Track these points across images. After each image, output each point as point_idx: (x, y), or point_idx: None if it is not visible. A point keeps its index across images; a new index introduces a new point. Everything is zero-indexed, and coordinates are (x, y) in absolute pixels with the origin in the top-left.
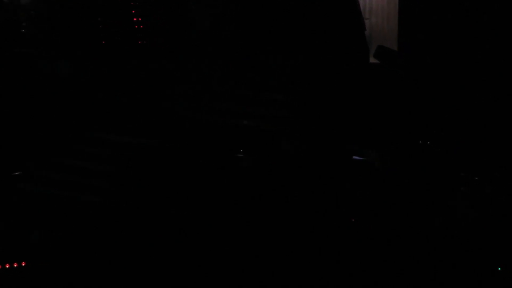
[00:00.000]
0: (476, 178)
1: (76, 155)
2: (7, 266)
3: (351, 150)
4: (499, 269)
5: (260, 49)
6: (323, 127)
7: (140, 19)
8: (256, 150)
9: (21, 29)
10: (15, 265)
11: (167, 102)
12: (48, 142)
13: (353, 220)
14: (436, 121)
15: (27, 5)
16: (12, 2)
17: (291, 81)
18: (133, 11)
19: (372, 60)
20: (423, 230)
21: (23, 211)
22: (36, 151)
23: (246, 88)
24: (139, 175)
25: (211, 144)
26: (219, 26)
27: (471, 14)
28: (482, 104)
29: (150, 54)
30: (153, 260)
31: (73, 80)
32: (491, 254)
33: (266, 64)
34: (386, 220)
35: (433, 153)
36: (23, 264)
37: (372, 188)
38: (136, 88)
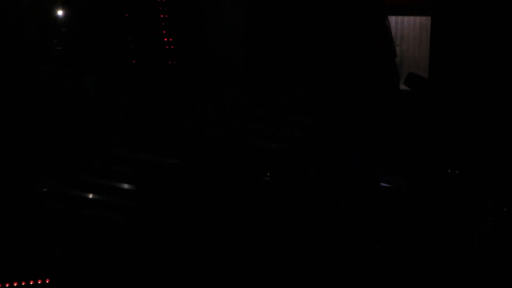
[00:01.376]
0: (505, 209)
1: (100, 172)
2: (31, 283)
3: (379, 176)
4: None
5: (290, 71)
6: (350, 152)
7: (171, 39)
8: (282, 173)
9: (52, 47)
10: (39, 282)
11: (194, 121)
12: (72, 158)
13: (379, 247)
14: (466, 151)
15: (59, 22)
16: (43, 19)
17: (320, 105)
18: (164, 31)
19: (402, 87)
20: (446, 257)
21: (47, 227)
22: (60, 168)
23: (273, 110)
24: (164, 194)
25: (238, 166)
26: (247, 48)
27: (505, 42)
28: None
29: (180, 75)
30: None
31: (100, 99)
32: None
33: (295, 87)
34: (411, 247)
35: (461, 182)
36: (47, 281)
37: (398, 215)
38: (164, 108)
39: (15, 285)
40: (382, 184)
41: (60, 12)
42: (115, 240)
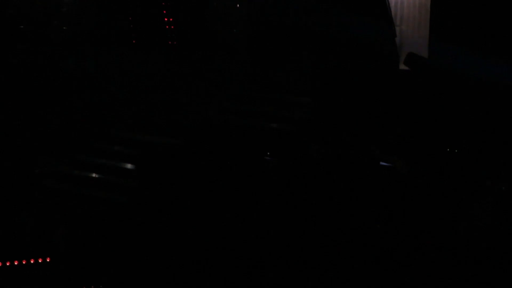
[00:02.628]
0: (503, 188)
1: (100, 153)
2: (32, 261)
3: (378, 156)
4: None
5: (290, 53)
6: (350, 132)
7: (171, 19)
8: (283, 153)
9: (51, 27)
10: (39, 261)
11: (195, 103)
12: (72, 139)
13: (378, 226)
14: (465, 129)
15: (59, 3)
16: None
17: (320, 85)
18: (164, 11)
19: (402, 67)
20: (446, 237)
21: (47, 207)
22: (60, 148)
23: (273, 91)
24: (165, 175)
25: (238, 146)
26: (249, 29)
27: (504, 23)
28: None
29: (180, 55)
30: (175, 258)
31: (100, 78)
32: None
33: (295, 68)
34: (410, 226)
35: (460, 161)
36: (47, 260)
37: (397, 194)
38: (164, 88)
39: (15, 263)
40: (382, 163)
41: None
42: (117, 220)
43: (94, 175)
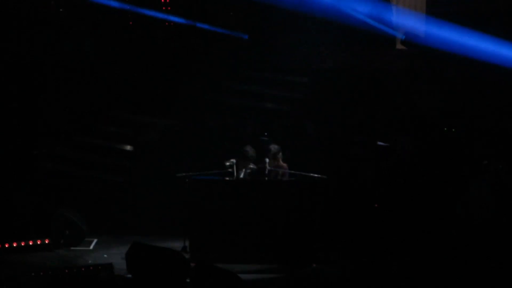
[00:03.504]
0: (500, 167)
1: (98, 134)
2: (30, 243)
3: (375, 136)
4: None
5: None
6: (347, 112)
7: (169, 8)
8: (280, 132)
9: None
10: (38, 242)
11: (191, 83)
12: (70, 120)
13: (376, 205)
14: (462, 109)
15: None
16: None
17: (317, 65)
18: None
19: (398, 46)
20: (445, 216)
21: (45, 188)
22: (58, 130)
23: (271, 71)
24: (160, 154)
25: (234, 126)
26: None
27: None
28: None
29: (172, 39)
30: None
31: (98, 60)
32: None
33: (294, 48)
34: (408, 206)
35: (457, 141)
36: (46, 241)
37: (395, 174)
38: (161, 69)
39: (14, 245)
40: (379, 143)
41: None
42: (113, 199)
43: (90, 156)
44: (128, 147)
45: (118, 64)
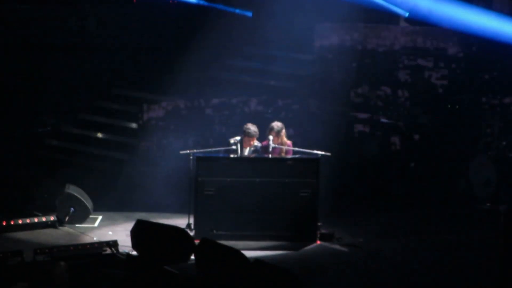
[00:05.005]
0: (504, 144)
1: (102, 111)
2: (36, 220)
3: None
4: None
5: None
6: (350, 89)
7: None
8: (284, 110)
9: None
10: (43, 220)
11: (195, 60)
12: (74, 98)
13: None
14: (465, 86)
15: None
16: None
17: (321, 43)
18: None
19: (402, 24)
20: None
21: (50, 165)
22: (63, 107)
23: (275, 48)
24: (164, 131)
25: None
26: None
27: None
28: None
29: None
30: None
31: (101, 37)
32: None
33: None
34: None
35: (461, 118)
36: (51, 219)
37: (397, 149)
38: (163, 47)
39: (20, 222)
40: (382, 120)
41: None
42: (118, 177)
43: (94, 133)
44: (133, 125)
45: (121, 42)
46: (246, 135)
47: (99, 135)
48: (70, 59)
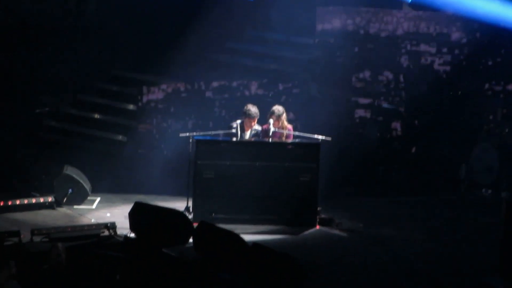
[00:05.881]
0: (507, 130)
1: (101, 93)
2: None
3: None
4: None
5: None
6: (352, 73)
7: None
8: (284, 94)
9: None
10: (41, 200)
11: (195, 43)
12: (73, 79)
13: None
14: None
15: None
16: None
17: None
18: None
19: (405, 8)
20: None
21: (48, 146)
22: (62, 88)
23: (276, 32)
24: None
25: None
26: None
27: None
28: None
29: None
30: None
31: (101, 18)
32: None
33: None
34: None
35: (463, 104)
36: (49, 200)
37: (399, 134)
38: (163, 29)
39: (17, 203)
40: (384, 105)
41: None
42: (116, 158)
43: (93, 115)
44: (132, 106)
45: (121, 23)
46: (247, 116)
47: (98, 116)
48: (69, 41)
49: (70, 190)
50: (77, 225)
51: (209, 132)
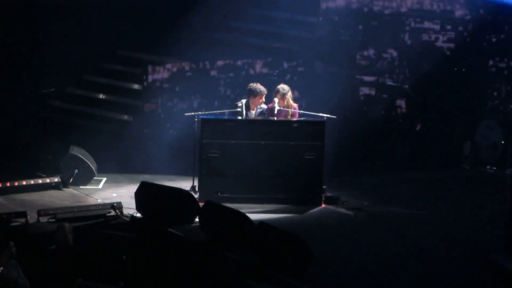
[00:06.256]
0: (511, 107)
1: (106, 73)
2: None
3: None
4: None
5: None
6: (356, 51)
7: None
8: (289, 72)
9: None
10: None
11: (200, 22)
12: (78, 59)
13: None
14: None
15: None
16: None
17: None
18: None
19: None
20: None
21: (54, 126)
22: (67, 69)
23: (281, 10)
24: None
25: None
26: None
27: None
28: None
29: None
30: None
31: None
32: None
33: None
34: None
35: (467, 81)
36: (55, 180)
37: (403, 112)
38: (168, 9)
39: (24, 183)
40: (388, 83)
41: None
42: (122, 138)
43: (98, 95)
44: (137, 86)
45: (127, 3)
46: (252, 94)
47: (104, 96)
48: (74, 20)
49: (76, 171)
50: (84, 205)
51: (215, 111)
